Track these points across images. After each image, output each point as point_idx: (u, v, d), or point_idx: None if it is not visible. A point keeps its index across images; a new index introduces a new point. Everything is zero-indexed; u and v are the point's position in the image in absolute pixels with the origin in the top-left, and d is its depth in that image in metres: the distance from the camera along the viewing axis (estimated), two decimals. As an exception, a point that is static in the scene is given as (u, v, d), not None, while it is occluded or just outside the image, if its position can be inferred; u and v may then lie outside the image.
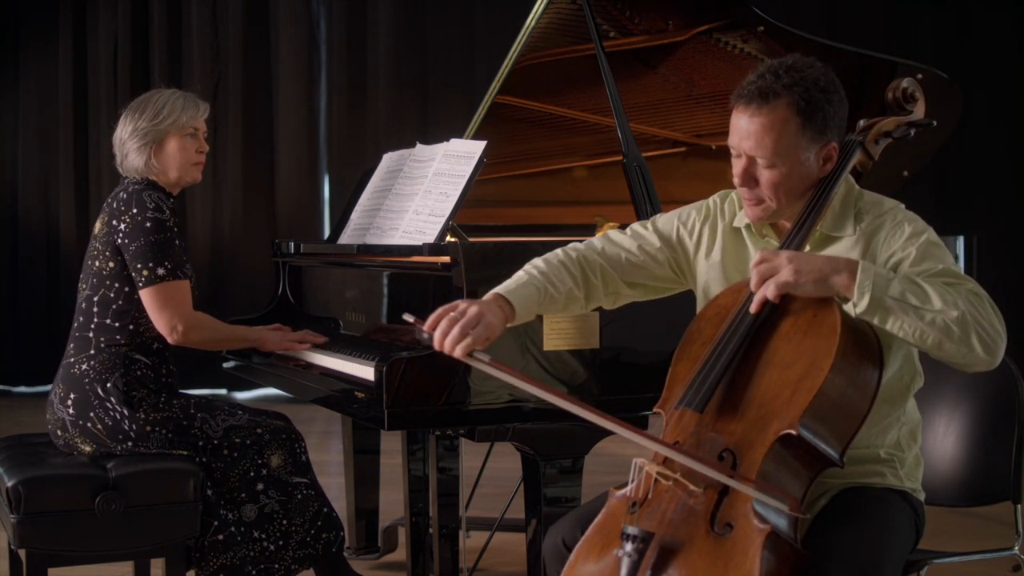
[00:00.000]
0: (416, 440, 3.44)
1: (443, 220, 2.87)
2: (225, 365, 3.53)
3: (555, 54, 3.41)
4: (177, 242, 2.93)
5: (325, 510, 2.99)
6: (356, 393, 2.70)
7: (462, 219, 2.94)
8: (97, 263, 2.97)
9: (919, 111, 2.27)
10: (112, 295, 2.94)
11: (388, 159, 3.43)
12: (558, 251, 2.28)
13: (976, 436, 2.52)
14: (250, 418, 2.99)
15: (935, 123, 2.30)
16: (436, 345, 2.00)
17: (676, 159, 3.73)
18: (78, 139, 7.68)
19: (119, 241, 2.92)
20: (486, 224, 3.59)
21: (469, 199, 2.90)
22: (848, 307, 1.91)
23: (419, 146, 3.24)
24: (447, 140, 3.10)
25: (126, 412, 2.87)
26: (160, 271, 2.88)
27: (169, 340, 2.93)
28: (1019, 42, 6.93)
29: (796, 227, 2.07)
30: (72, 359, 2.95)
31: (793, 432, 1.84)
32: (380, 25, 7.38)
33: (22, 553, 2.71)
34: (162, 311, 2.89)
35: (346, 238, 3.39)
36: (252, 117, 7.53)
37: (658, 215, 2.36)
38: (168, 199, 2.99)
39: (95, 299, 2.96)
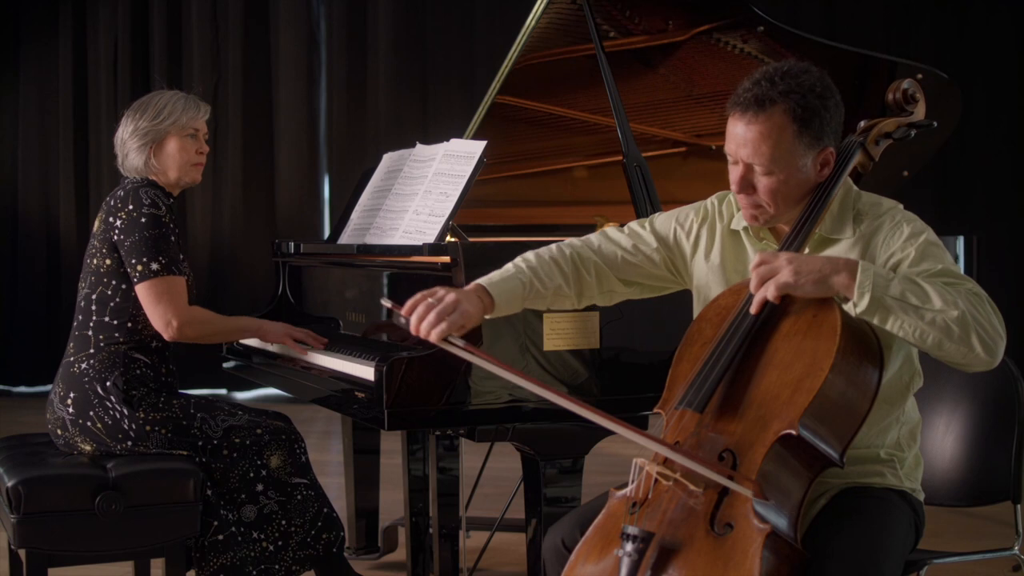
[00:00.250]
0: (416, 440, 3.44)
1: (443, 220, 2.87)
2: (225, 365, 3.53)
3: (555, 54, 3.41)
4: (173, 239, 2.93)
5: (325, 510, 2.99)
6: (356, 393, 2.71)
7: (462, 219, 2.95)
8: (95, 261, 2.97)
9: (919, 112, 2.27)
10: (110, 292, 2.94)
11: (388, 159, 3.43)
12: (553, 246, 2.29)
13: (976, 436, 2.52)
14: (250, 418, 2.99)
15: (935, 124, 2.30)
16: (412, 329, 2.05)
17: (676, 159, 3.73)
18: (78, 139, 7.67)
19: (115, 238, 2.92)
20: (486, 224, 3.59)
21: (469, 199, 2.90)
22: (848, 307, 1.91)
23: (419, 146, 3.24)
24: (447, 140, 3.10)
25: (126, 411, 2.87)
26: (154, 266, 2.88)
27: (164, 336, 2.93)
28: (1019, 42, 6.93)
29: (795, 230, 2.07)
30: (72, 358, 2.96)
31: (793, 432, 1.84)
32: (380, 25, 7.38)
33: (22, 553, 2.71)
34: (156, 306, 2.89)
35: (346, 238, 3.39)
36: (252, 117, 7.53)
37: (656, 215, 2.37)
38: (166, 197, 2.99)
39: (93, 297, 2.96)
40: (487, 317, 2.17)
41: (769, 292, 1.92)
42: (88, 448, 2.90)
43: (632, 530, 1.84)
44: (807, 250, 2.08)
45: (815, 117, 2.03)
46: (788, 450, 1.88)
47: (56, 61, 7.71)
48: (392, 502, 3.83)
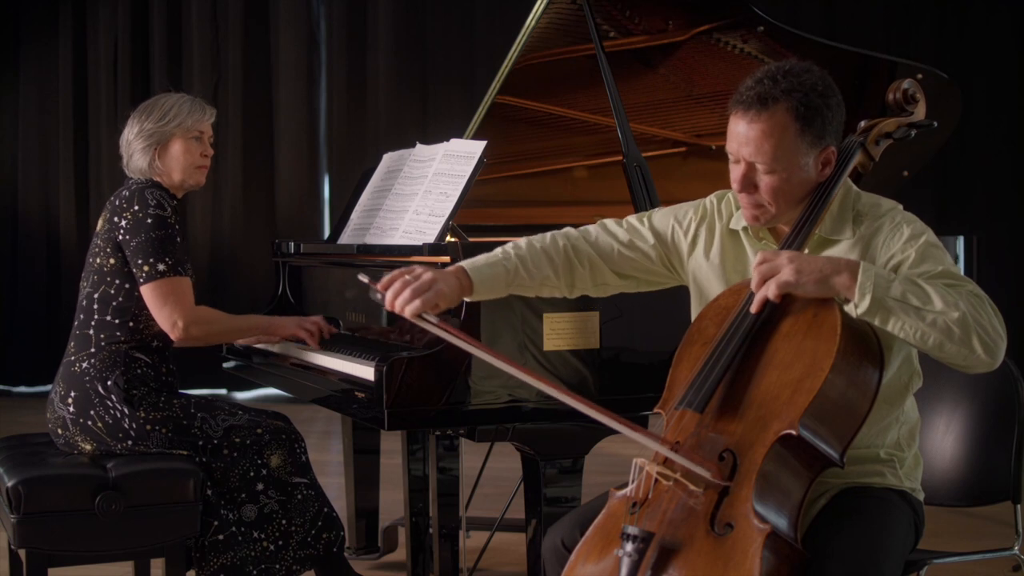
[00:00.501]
0: (416, 440, 3.44)
1: (443, 220, 2.87)
2: (225, 365, 3.53)
3: (555, 54, 3.41)
4: (178, 239, 2.94)
5: (325, 510, 2.99)
6: (356, 393, 2.71)
7: (462, 219, 2.95)
8: (98, 260, 2.97)
9: (920, 112, 2.27)
10: (112, 292, 2.95)
11: (388, 159, 3.43)
12: (548, 236, 2.30)
13: (976, 436, 2.52)
14: (250, 418, 2.99)
15: (935, 124, 2.30)
16: (387, 304, 2.09)
17: (676, 159, 3.73)
18: (78, 139, 7.67)
19: (120, 238, 2.92)
20: (486, 224, 3.59)
21: (469, 199, 2.90)
22: (849, 308, 1.91)
23: (419, 146, 3.24)
24: (447, 140, 3.10)
25: (126, 411, 2.87)
26: (161, 267, 2.89)
27: (171, 336, 2.93)
28: (1019, 42, 6.94)
29: (795, 230, 2.07)
30: (73, 357, 2.96)
31: (793, 432, 1.84)
32: (380, 25, 7.38)
33: (22, 553, 2.71)
34: (163, 307, 2.90)
35: (346, 238, 3.39)
36: (252, 117, 7.53)
37: (654, 210, 2.36)
38: (171, 199, 3.00)
39: (96, 296, 2.96)
40: (467, 299, 2.21)
41: (770, 291, 1.91)
42: (88, 447, 2.90)
43: (632, 530, 1.84)
44: (807, 251, 2.08)
45: (817, 116, 2.03)
46: (788, 450, 1.88)
47: (56, 61, 7.71)
48: (392, 502, 3.83)
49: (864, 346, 1.94)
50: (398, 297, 2.07)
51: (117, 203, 2.97)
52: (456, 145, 3.04)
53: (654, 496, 1.91)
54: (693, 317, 2.23)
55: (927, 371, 2.19)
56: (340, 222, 3.52)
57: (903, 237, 2.03)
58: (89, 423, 2.88)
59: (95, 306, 2.96)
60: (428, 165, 3.09)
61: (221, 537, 2.84)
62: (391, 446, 3.76)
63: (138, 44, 7.59)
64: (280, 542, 2.93)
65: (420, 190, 3.05)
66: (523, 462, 2.73)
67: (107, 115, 7.58)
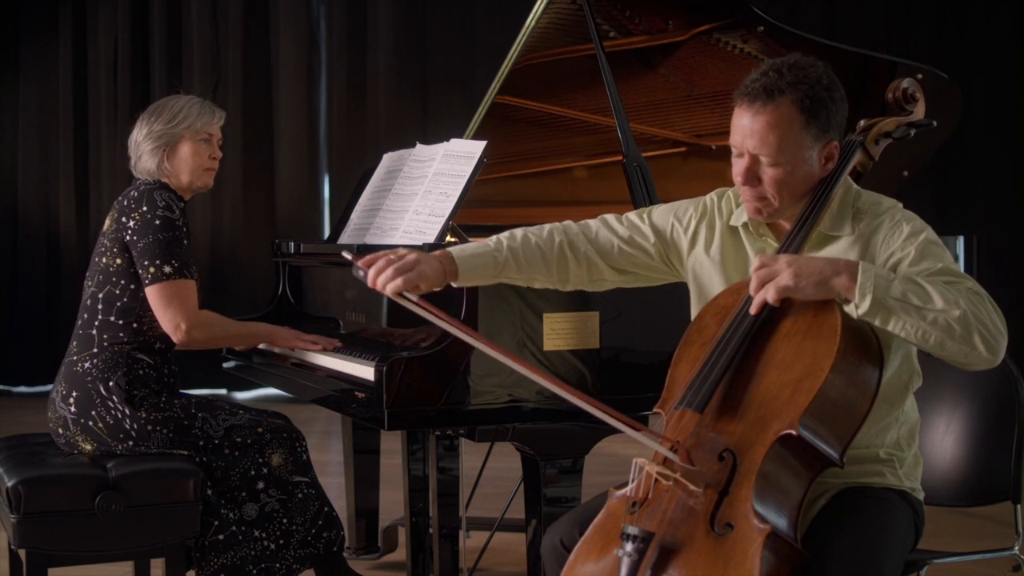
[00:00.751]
0: (416, 440, 3.44)
1: (443, 220, 2.87)
2: (225, 365, 3.53)
3: (555, 54, 3.41)
4: (185, 242, 2.94)
5: (326, 509, 3.00)
6: (356, 393, 2.71)
7: (462, 219, 2.95)
8: (104, 260, 2.97)
9: (919, 111, 2.27)
10: (118, 292, 2.95)
11: (388, 159, 3.43)
12: (545, 229, 2.31)
13: (976, 436, 2.52)
14: (251, 417, 2.99)
15: (935, 124, 2.30)
16: (369, 282, 2.11)
17: (676, 159, 3.73)
18: (78, 139, 7.67)
19: (127, 238, 2.92)
20: (486, 224, 3.59)
21: (469, 199, 2.90)
22: (850, 308, 1.91)
23: (419, 146, 3.24)
24: (447, 140, 3.10)
25: (127, 411, 2.87)
26: (167, 269, 2.89)
27: (173, 339, 2.94)
28: (1019, 42, 6.94)
29: (796, 228, 2.06)
30: (75, 357, 2.96)
31: (793, 432, 1.84)
32: (380, 25, 7.38)
33: (22, 553, 2.71)
34: (167, 309, 2.90)
35: (346, 238, 3.39)
36: (252, 117, 7.53)
37: (654, 207, 2.36)
38: (179, 201, 3.00)
39: (100, 296, 2.96)
40: (454, 284, 2.23)
41: (769, 295, 1.91)
42: (89, 447, 2.90)
43: (632, 530, 1.84)
44: (807, 247, 2.08)
45: (822, 109, 2.03)
46: (788, 450, 1.88)
47: (56, 61, 7.71)
48: (392, 502, 3.83)
49: (864, 346, 1.94)
50: (380, 275, 2.10)
51: (125, 203, 2.97)
52: (456, 145, 3.04)
53: (654, 496, 1.91)
54: (693, 315, 2.23)
55: (927, 371, 2.19)
56: (340, 222, 3.52)
57: (903, 235, 2.03)
58: (90, 423, 2.88)
59: (99, 306, 2.96)
60: (428, 165, 3.09)
61: (221, 537, 2.84)
62: (391, 446, 3.76)
63: (138, 44, 7.59)
64: (281, 541, 2.93)
65: (420, 190, 3.05)
66: (523, 462, 2.73)
67: (107, 115, 7.58)
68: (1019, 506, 2.43)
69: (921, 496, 2.18)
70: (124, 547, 2.80)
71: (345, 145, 7.45)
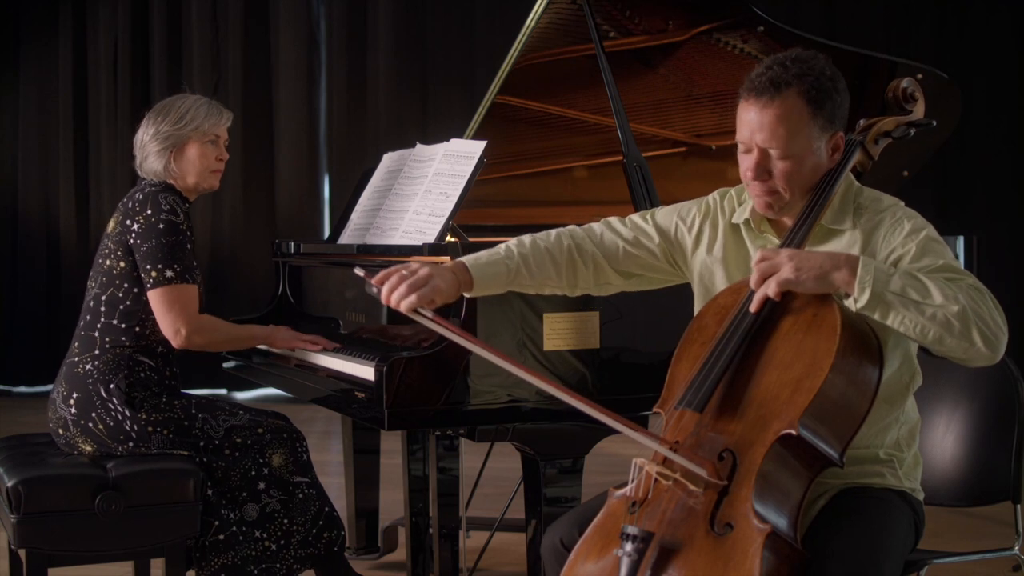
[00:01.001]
0: (416, 440, 3.44)
1: (443, 220, 2.87)
2: (225, 365, 3.53)
3: (555, 54, 3.41)
4: (188, 246, 2.93)
5: (326, 509, 2.99)
6: (356, 393, 2.71)
7: (462, 219, 2.94)
8: (108, 262, 2.97)
9: (919, 111, 2.28)
10: (121, 295, 2.94)
11: (388, 159, 3.43)
12: (553, 234, 2.30)
13: (976, 436, 2.52)
14: (251, 418, 2.99)
15: (935, 123, 2.30)
16: (383, 299, 2.10)
17: (676, 159, 3.73)
18: (78, 139, 7.67)
19: (131, 241, 2.92)
20: (486, 224, 3.59)
21: (469, 199, 2.90)
22: (849, 302, 1.91)
23: (419, 146, 3.24)
24: (447, 140, 3.10)
25: (128, 413, 2.87)
26: (169, 273, 2.88)
27: (173, 343, 2.93)
28: (1019, 42, 6.94)
29: (798, 224, 2.07)
30: (76, 358, 2.95)
31: (793, 432, 1.84)
32: (380, 25, 7.38)
33: (22, 553, 2.71)
34: (167, 313, 2.90)
35: (346, 238, 3.39)
36: (252, 117, 7.52)
37: (657, 208, 2.37)
38: (184, 203, 2.99)
39: (103, 298, 2.96)
40: (467, 295, 2.22)
41: (770, 289, 1.92)
42: (89, 448, 2.90)
43: (632, 530, 1.84)
44: (809, 242, 2.08)
45: (828, 99, 2.04)
46: (788, 450, 1.88)
47: (56, 61, 7.71)
48: (392, 502, 3.83)
49: (864, 345, 1.94)
50: (394, 292, 2.08)
51: (130, 205, 2.96)
52: (456, 145, 3.04)
53: (654, 496, 1.91)
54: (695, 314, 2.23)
55: (927, 371, 2.19)
56: (340, 222, 3.52)
57: (904, 231, 2.03)
58: (90, 425, 2.88)
59: (102, 308, 2.95)
60: (428, 165, 3.09)
61: (222, 537, 2.84)
62: (391, 446, 3.76)
63: (138, 44, 7.59)
64: (282, 541, 2.93)
65: (420, 190, 3.05)
66: (523, 462, 2.73)
67: (107, 115, 7.58)
68: (1019, 506, 2.43)
69: (921, 496, 2.18)
70: (124, 547, 2.80)
71: (345, 145, 7.45)
